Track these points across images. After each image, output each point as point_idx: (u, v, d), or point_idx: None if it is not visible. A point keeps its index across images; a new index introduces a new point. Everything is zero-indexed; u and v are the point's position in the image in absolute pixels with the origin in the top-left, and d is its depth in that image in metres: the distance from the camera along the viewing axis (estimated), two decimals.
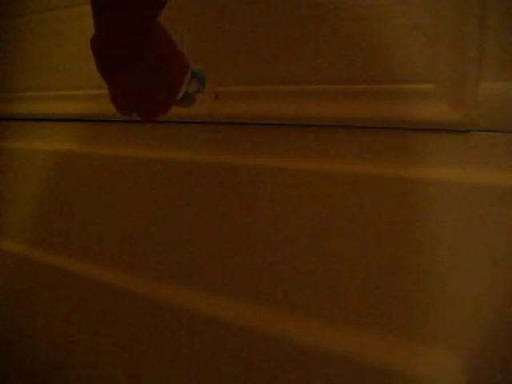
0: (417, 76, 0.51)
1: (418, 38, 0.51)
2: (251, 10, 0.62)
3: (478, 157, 0.48)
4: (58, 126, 0.90)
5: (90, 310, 0.82)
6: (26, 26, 0.96)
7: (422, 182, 0.51)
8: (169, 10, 0.72)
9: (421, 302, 0.51)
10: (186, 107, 0.57)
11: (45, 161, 0.91)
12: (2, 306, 0.99)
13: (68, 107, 0.87)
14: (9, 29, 1.00)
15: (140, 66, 0.45)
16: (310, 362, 0.57)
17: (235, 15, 0.64)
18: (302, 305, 0.59)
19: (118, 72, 0.45)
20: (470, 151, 0.49)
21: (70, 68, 0.87)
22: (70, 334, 0.85)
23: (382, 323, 0.53)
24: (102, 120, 0.81)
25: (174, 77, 0.51)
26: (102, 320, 0.80)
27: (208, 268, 0.67)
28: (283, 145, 0.61)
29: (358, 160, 0.55)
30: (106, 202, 0.80)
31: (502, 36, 0.47)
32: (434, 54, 0.50)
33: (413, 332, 0.51)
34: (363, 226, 0.54)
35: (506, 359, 0.47)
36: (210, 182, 0.67)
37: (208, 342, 0.66)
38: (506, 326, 0.47)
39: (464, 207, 0.48)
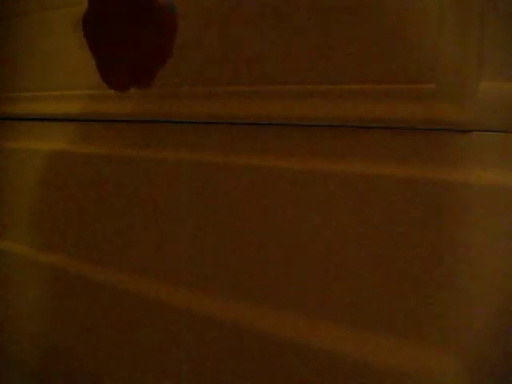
0: (417, 76, 0.51)
1: (418, 38, 0.51)
2: (252, 11, 0.62)
3: (478, 157, 0.48)
4: (58, 125, 0.90)
5: (89, 309, 0.82)
6: (25, 26, 0.96)
7: (421, 182, 0.51)
8: None
9: (421, 302, 0.51)
10: None
11: (44, 161, 0.91)
12: (1, 305, 0.99)
13: (68, 107, 0.87)
14: (8, 28, 1.00)
15: (130, 32, 0.46)
16: (310, 362, 0.57)
17: (236, 15, 0.64)
18: (301, 304, 0.59)
19: (108, 41, 0.46)
20: (470, 151, 0.49)
21: (70, 67, 0.87)
22: (69, 333, 0.85)
23: (383, 323, 0.53)
24: (102, 120, 0.81)
25: (166, 33, 0.50)
26: (101, 319, 0.80)
27: (208, 268, 0.67)
28: (283, 145, 0.61)
29: (358, 160, 0.55)
30: (105, 202, 0.80)
31: (503, 36, 0.47)
32: (434, 54, 0.50)
33: (413, 332, 0.51)
34: (363, 226, 0.54)
35: (506, 359, 0.47)
36: (209, 181, 0.67)
37: (207, 341, 0.66)
38: (507, 326, 0.47)
39: (463, 207, 0.48)
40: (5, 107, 1.00)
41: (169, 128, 0.72)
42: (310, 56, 0.58)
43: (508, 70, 0.47)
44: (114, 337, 0.78)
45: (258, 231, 0.62)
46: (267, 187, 0.61)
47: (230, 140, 0.66)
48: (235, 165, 0.65)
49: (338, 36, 0.56)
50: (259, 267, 0.62)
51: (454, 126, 0.49)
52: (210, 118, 0.67)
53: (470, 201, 0.48)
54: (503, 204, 0.47)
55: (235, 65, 0.65)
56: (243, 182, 0.64)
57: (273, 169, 0.61)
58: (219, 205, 0.66)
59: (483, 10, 0.47)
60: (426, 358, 0.50)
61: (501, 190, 0.47)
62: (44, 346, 0.90)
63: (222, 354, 0.65)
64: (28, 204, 0.94)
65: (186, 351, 0.69)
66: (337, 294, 0.56)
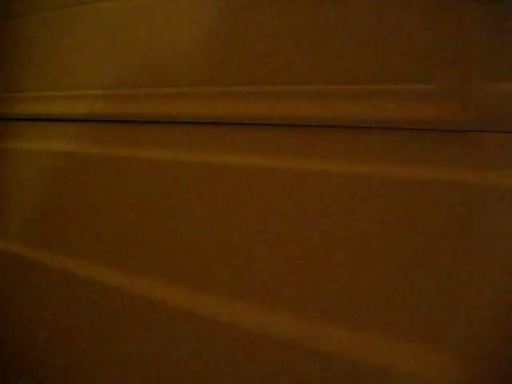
0: (417, 76, 0.51)
1: (418, 38, 0.51)
2: (252, 10, 0.62)
3: (478, 157, 0.48)
4: (59, 126, 0.90)
5: (89, 309, 0.82)
6: (28, 26, 0.96)
7: (421, 182, 0.51)
8: (171, 10, 0.72)
9: (421, 301, 0.51)
10: None
11: (45, 161, 0.91)
12: (0, 305, 0.99)
13: (70, 107, 0.87)
14: (11, 28, 1.00)
15: None
16: (310, 362, 0.57)
17: (236, 16, 0.64)
18: (300, 304, 0.59)
19: None
20: (470, 151, 0.49)
21: (71, 68, 0.87)
22: (70, 333, 0.85)
23: (382, 323, 0.53)
24: (102, 120, 0.81)
25: None
26: (101, 319, 0.80)
27: (209, 268, 0.67)
28: (283, 145, 0.61)
29: (357, 160, 0.55)
30: (104, 202, 0.80)
31: (503, 36, 0.47)
32: (434, 54, 0.50)
33: (412, 332, 0.51)
34: (362, 226, 0.54)
35: (506, 359, 0.47)
36: (209, 181, 0.67)
37: (206, 342, 0.66)
38: (507, 325, 0.47)
39: (463, 207, 0.48)
40: (5, 107, 1.00)
41: (169, 128, 0.72)
42: (311, 56, 0.58)
43: (508, 70, 0.47)
44: (112, 336, 0.78)
45: (257, 231, 0.62)
46: (267, 187, 0.61)
47: (230, 140, 0.66)
48: (235, 165, 0.65)
49: (339, 36, 0.56)
50: (260, 267, 0.62)
51: (454, 126, 0.49)
52: (209, 119, 0.67)
53: (470, 201, 0.48)
54: (503, 204, 0.47)
55: (236, 65, 0.65)
56: (243, 182, 0.64)
57: (273, 169, 0.61)
58: (218, 204, 0.66)
59: (483, 10, 0.47)
60: (426, 358, 0.50)
61: (500, 190, 0.47)
62: (42, 344, 0.90)
63: (222, 354, 0.65)
64: (28, 204, 0.94)
65: (185, 351, 0.69)
66: (337, 295, 0.56)
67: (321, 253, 0.57)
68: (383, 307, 0.53)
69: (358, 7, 0.54)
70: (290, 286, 0.60)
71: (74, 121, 0.87)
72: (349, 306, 0.55)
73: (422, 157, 0.51)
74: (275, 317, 0.61)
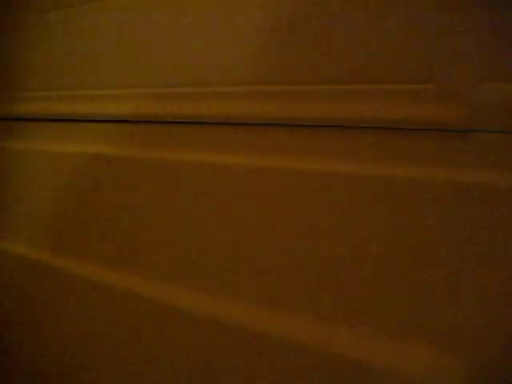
0: (417, 76, 0.51)
1: (418, 38, 0.51)
2: (251, 11, 0.63)
3: (478, 157, 0.48)
4: (61, 126, 0.90)
5: (90, 310, 0.82)
6: (28, 26, 0.96)
7: (421, 182, 0.51)
8: (171, 11, 0.72)
9: (421, 302, 0.51)
10: None
11: (46, 161, 0.91)
12: (3, 305, 0.99)
13: (74, 107, 0.87)
14: (11, 28, 1.00)
15: None
16: (310, 362, 0.57)
17: (236, 16, 0.64)
18: (301, 305, 0.59)
19: None
20: (470, 151, 0.49)
21: (75, 68, 0.87)
22: (71, 334, 0.85)
23: (382, 323, 0.53)
24: (104, 121, 0.82)
25: None
26: (102, 319, 0.80)
27: (210, 269, 0.67)
28: (283, 145, 0.61)
29: (357, 160, 0.55)
30: (104, 202, 0.80)
31: (502, 36, 0.47)
32: (434, 54, 0.50)
33: (413, 332, 0.51)
34: (362, 226, 0.54)
35: (506, 359, 0.47)
36: (209, 181, 0.67)
37: (209, 343, 0.66)
38: (507, 325, 0.46)
39: (464, 207, 0.48)
40: (6, 107, 1.00)
41: (170, 128, 0.72)
42: (311, 56, 0.58)
43: (508, 70, 0.47)
44: (113, 336, 0.78)
45: (258, 231, 0.62)
46: (267, 187, 0.61)
47: (230, 140, 0.66)
48: (235, 165, 0.65)
49: (339, 36, 0.56)
50: (261, 268, 0.62)
51: (454, 126, 0.49)
52: (211, 119, 0.67)
53: (470, 200, 0.48)
54: (503, 204, 0.47)
55: (235, 66, 0.65)
56: (243, 182, 0.64)
57: (272, 169, 0.61)
58: (218, 204, 0.66)
59: (483, 10, 0.47)
60: (427, 358, 0.50)
61: (500, 189, 0.47)
62: (44, 344, 0.90)
63: (223, 355, 0.65)
64: (29, 204, 0.94)
65: (186, 351, 0.69)
66: (338, 296, 0.56)
67: (321, 252, 0.57)
68: (385, 308, 0.53)
69: (357, 7, 0.54)
70: (291, 286, 0.60)
71: (78, 121, 0.87)
72: (350, 306, 0.55)
73: (421, 157, 0.51)
74: (275, 317, 0.61)
